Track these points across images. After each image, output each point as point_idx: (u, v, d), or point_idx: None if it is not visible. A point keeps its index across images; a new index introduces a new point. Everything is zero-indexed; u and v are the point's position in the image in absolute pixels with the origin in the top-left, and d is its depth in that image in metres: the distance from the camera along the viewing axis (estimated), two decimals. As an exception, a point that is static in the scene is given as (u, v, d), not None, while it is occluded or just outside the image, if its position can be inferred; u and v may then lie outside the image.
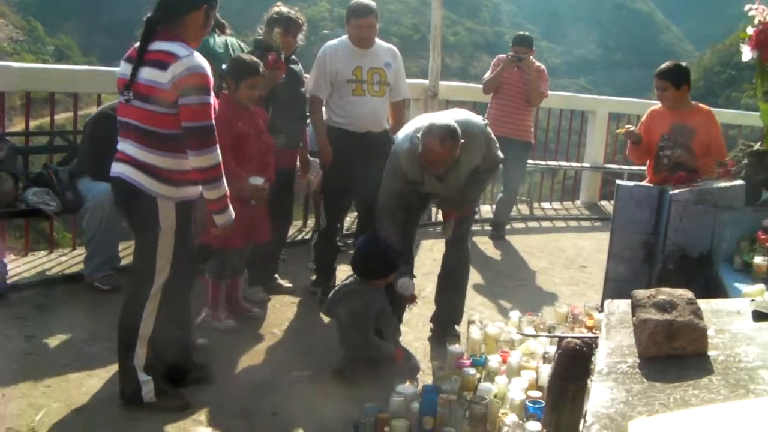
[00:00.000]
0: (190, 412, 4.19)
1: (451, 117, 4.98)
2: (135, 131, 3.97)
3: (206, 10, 4.00)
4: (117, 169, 4.05)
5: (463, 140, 4.73)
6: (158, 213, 3.97)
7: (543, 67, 8.39)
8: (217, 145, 3.95)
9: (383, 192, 5.13)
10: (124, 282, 5.73)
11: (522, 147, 8.30)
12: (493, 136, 5.19)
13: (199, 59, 3.89)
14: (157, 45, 3.90)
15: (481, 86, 8.55)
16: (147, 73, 3.88)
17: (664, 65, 5.94)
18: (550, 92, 8.53)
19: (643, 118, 6.20)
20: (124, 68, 4.02)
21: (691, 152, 5.68)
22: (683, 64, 6.03)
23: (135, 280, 4.21)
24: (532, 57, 8.19)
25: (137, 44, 3.97)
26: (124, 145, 4.04)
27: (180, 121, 3.87)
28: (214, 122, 3.94)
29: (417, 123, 5.02)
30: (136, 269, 4.22)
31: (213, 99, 3.98)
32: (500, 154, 5.21)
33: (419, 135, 4.74)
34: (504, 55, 8.32)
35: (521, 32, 8.48)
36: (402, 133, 5.10)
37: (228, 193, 4.11)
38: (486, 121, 5.17)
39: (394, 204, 5.10)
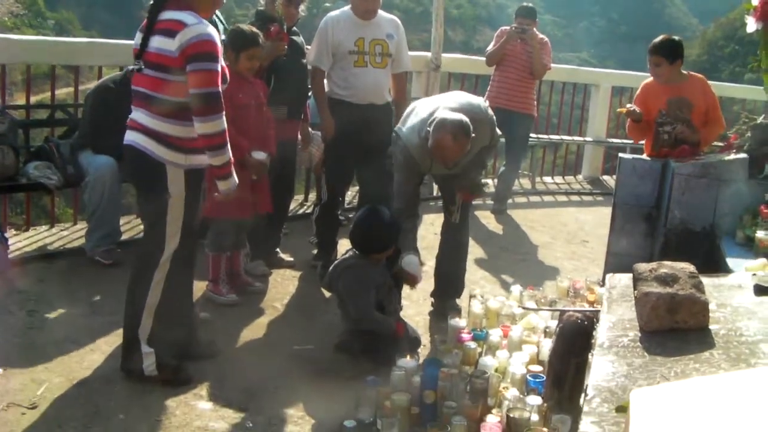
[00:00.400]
0: (192, 386, 4.20)
1: (455, 103, 4.93)
2: (146, 99, 4.00)
3: None
4: (129, 137, 4.07)
5: (473, 134, 4.72)
6: (167, 180, 3.99)
7: (546, 39, 8.35)
8: (223, 113, 3.96)
9: (398, 189, 5.10)
10: (126, 256, 5.77)
11: (525, 120, 8.28)
12: (492, 114, 5.16)
13: (208, 27, 3.91)
14: (167, 14, 3.92)
15: (483, 59, 8.51)
16: (157, 42, 3.92)
17: (656, 40, 5.81)
18: (552, 65, 8.49)
19: (638, 93, 6.08)
20: (137, 38, 4.05)
21: (691, 126, 5.62)
22: (676, 37, 5.92)
23: (144, 249, 4.22)
24: (534, 29, 8.14)
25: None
26: (136, 114, 4.07)
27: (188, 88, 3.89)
28: (221, 89, 3.94)
29: (421, 113, 4.96)
30: (145, 238, 4.22)
31: (221, 67, 3.98)
32: (497, 132, 5.19)
33: (430, 129, 4.71)
34: (507, 27, 8.28)
35: (524, 3, 8.41)
36: (406, 125, 5.03)
37: (232, 160, 4.11)
38: (487, 102, 5.14)
39: (410, 195, 5.11)
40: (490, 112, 5.13)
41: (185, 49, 3.82)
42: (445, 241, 5.47)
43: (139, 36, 4.04)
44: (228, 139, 4.02)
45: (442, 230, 5.48)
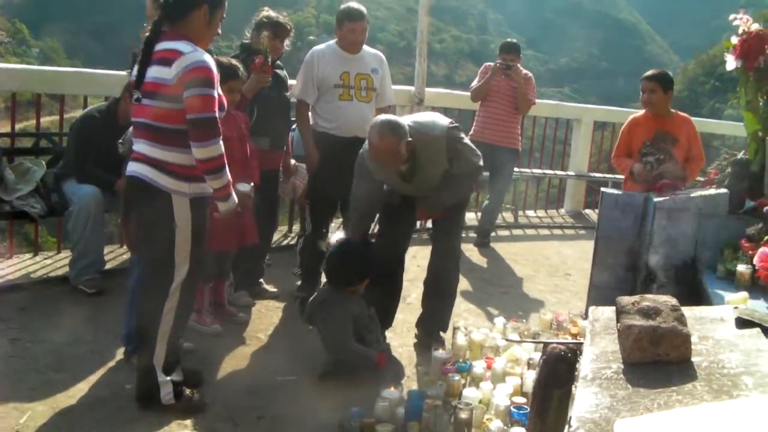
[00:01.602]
0: (175, 416, 4.17)
1: (411, 117, 5.01)
2: (146, 129, 4.02)
3: (207, 9, 4.04)
4: (132, 167, 4.09)
5: (412, 139, 4.70)
6: (173, 209, 4.00)
7: (530, 74, 8.43)
8: (220, 137, 3.98)
9: (353, 194, 5.13)
10: (110, 285, 5.76)
11: (509, 154, 8.35)
12: (466, 141, 5.11)
13: (204, 55, 3.95)
14: (163, 44, 3.96)
15: (466, 93, 8.59)
16: (154, 72, 3.95)
17: (652, 70, 6.03)
18: (536, 100, 8.57)
19: (624, 127, 6.24)
20: (135, 70, 4.07)
21: (673, 158, 5.75)
22: (664, 70, 6.13)
23: (152, 279, 4.21)
24: (519, 65, 8.22)
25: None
26: (138, 145, 4.08)
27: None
28: (217, 115, 3.97)
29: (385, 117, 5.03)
30: (153, 268, 4.22)
31: (218, 94, 4.01)
32: (478, 161, 5.11)
33: None
34: (491, 63, 8.36)
35: (509, 39, 8.49)
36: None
37: (231, 181, 4.14)
38: (455, 124, 5.06)
39: (364, 206, 5.11)
40: (459, 134, 5.03)
41: (182, 76, 3.86)
42: (432, 274, 5.43)
43: (136, 67, 4.07)
44: (225, 162, 4.04)
45: (430, 263, 5.44)
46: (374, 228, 5.52)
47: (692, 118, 6.20)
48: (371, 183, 5.02)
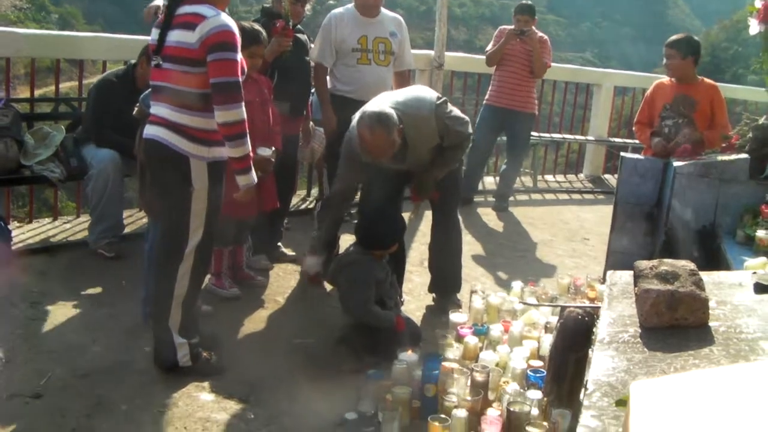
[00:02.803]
0: (193, 378, 4.21)
1: (394, 98, 4.85)
2: (167, 93, 4.02)
3: None
4: (150, 131, 4.09)
5: (402, 124, 4.60)
6: (191, 173, 4.01)
7: (546, 37, 8.34)
8: (243, 103, 3.97)
9: (337, 178, 5.05)
10: (129, 249, 5.79)
11: (526, 118, 8.29)
12: (454, 113, 4.94)
13: (226, 18, 3.93)
14: (185, 8, 3.95)
15: (485, 58, 8.51)
16: (176, 36, 3.94)
17: (674, 36, 5.98)
18: (555, 65, 8.52)
19: (648, 92, 6.24)
20: (154, 34, 4.07)
21: (692, 123, 5.71)
22: (695, 38, 6.06)
23: (167, 242, 4.23)
24: (533, 27, 8.15)
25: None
26: (157, 108, 4.08)
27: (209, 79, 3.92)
28: (240, 79, 3.96)
29: (370, 104, 4.88)
30: (168, 231, 4.23)
31: (241, 58, 4.00)
32: (467, 130, 4.98)
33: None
34: (506, 27, 8.28)
35: (524, 1, 8.38)
36: (357, 114, 4.89)
37: (252, 154, 4.14)
38: (442, 98, 4.94)
39: (344, 189, 5.05)
40: (448, 108, 4.90)
41: (205, 39, 3.85)
42: (435, 238, 5.44)
43: (155, 32, 4.05)
44: (247, 129, 4.04)
45: (432, 227, 5.45)
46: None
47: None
48: (357, 166, 4.89)
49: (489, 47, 8.42)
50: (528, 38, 8.04)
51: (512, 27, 8.16)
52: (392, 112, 4.59)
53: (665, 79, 6.13)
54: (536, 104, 8.50)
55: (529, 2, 8.30)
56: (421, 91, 5.06)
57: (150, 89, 4.36)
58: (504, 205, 8.48)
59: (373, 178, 5.03)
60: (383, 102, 4.78)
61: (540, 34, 8.23)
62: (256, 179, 4.23)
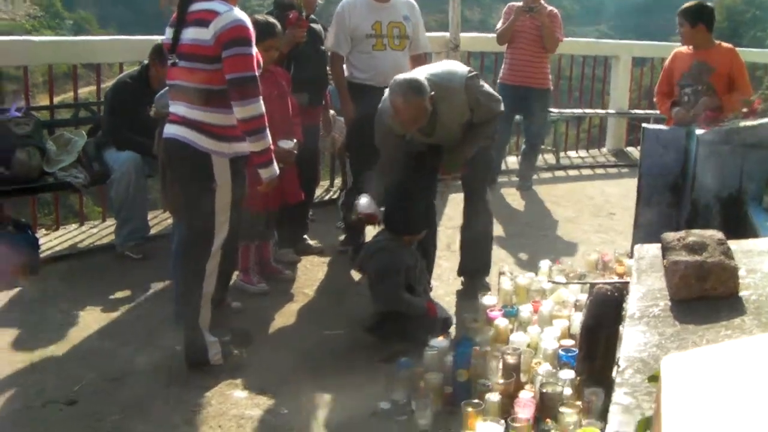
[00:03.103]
0: (225, 375, 4.22)
1: (426, 70, 4.90)
2: (184, 91, 4.03)
3: None
4: (170, 130, 4.10)
5: (433, 92, 4.61)
6: (213, 170, 4.02)
7: (556, 11, 8.26)
8: (261, 97, 3.98)
9: (378, 146, 5.07)
10: (156, 250, 5.82)
11: (541, 95, 8.21)
12: (486, 88, 5.00)
13: (240, 13, 3.94)
14: (198, 5, 3.96)
15: (502, 37, 8.44)
16: (190, 33, 3.95)
17: (685, 4, 5.92)
18: (571, 39, 8.45)
19: (667, 62, 6.20)
20: (168, 34, 4.08)
21: (711, 89, 5.66)
22: (708, 4, 5.98)
23: (194, 240, 4.23)
24: (543, 1, 8.07)
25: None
26: (176, 107, 4.09)
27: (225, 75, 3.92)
28: (257, 73, 3.97)
29: (402, 74, 4.92)
30: (194, 229, 4.24)
31: (256, 52, 4.01)
32: (498, 107, 5.01)
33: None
34: (515, 3, 8.21)
35: None
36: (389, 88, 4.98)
37: (272, 147, 4.15)
38: (474, 72, 4.96)
39: (390, 156, 5.04)
40: (478, 82, 4.94)
41: (220, 35, 3.86)
42: (466, 220, 5.42)
43: (169, 31, 4.07)
44: (266, 123, 4.04)
45: (464, 208, 5.43)
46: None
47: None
48: (393, 137, 4.95)
49: (499, 25, 8.36)
50: (537, 14, 7.97)
51: (520, 3, 8.09)
52: (423, 79, 4.62)
53: (683, 47, 6.07)
54: (550, 80, 8.43)
55: None
56: (453, 65, 5.10)
57: (164, 88, 4.37)
58: (528, 184, 8.43)
59: (405, 161, 5.05)
60: (416, 72, 4.84)
61: (550, 8, 8.15)
62: (278, 171, 4.24)
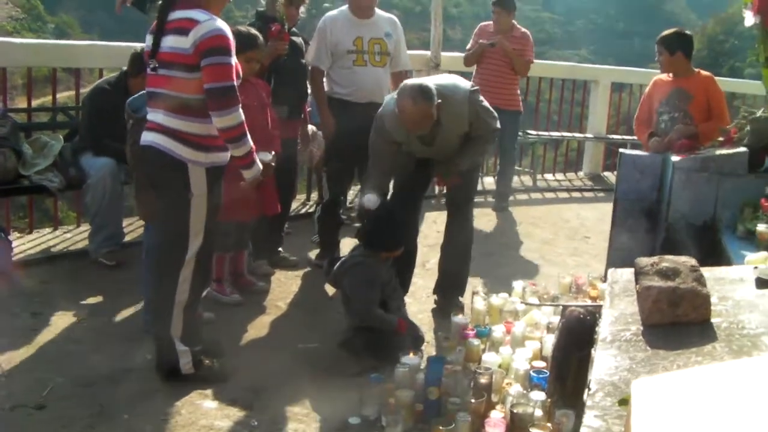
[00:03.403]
0: (196, 385, 4.20)
1: (433, 79, 4.99)
2: (163, 99, 4.01)
3: None
4: (147, 137, 4.07)
5: (440, 101, 4.68)
6: (189, 179, 4.00)
7: (527, 32, 8.29)
8: (239, 105, 3.98)
9: (372, 152, 5.10)
10: (130, 257, 5.79)
11: (512, 116, 8.17)
12: (485, 104, 5.08)
13: (220, 23, 3.92)
14: (178, 14, 3.94)
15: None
16: (170, 41, 3.93)
17: (664, 32, 5.98)
18: (552, 62, 8.52)
19: (647, 89, 6.26)
20: (149, 41, 4.06)
21: (687, 116, 5.72)
22: (687, 32, 6.05)
23: (168, 249, 4.21)
24: (513, 21, 8.08)
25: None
26: (154, 115, 4.07)
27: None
28: (235, 83, 3.96)
29: (408, 81, 5.01)
30: (168, 238, 4.22)
31: (235, 61, 4.00)
32: (495, 123, 5.10)
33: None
34: (487, 23, 8.25)
35: None
36: (389, 96, 5.09)
37: (254, 148, 4.15)
38: (475, 87, 5.06)
39: (384, 163, 5.07)
40: (480, 98, 5.03)
41: (199, 44, 3.84)
42: (447, 238, 5.45)
43: (149, 38, 4.05)
44: (246, 129, 4.04)
45: (446, 227, 5.46)
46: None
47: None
48: (389, 145, 4.99)
49: (469, 45, 8.39)
50: (500, 46, 7.98)
51: (490, 23, 8.13)
52: (433, 86, 4.69)
53: (663, 75, 6.13)
54: (520, 101, 8.47)
55: None
56: (457, 79, 5.18)
57: (136, 94, 4.36)
58: (503, 204, 8.47)
59: (393, 172, 5.10)
60: (424, 80, 4.89)
61: (522, 30, 8.16)
62: (261, 169, 4.25)
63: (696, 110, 5.77)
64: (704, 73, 6.02)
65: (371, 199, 4.87)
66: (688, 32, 6.07)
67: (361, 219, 4.98)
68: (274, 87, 5.69)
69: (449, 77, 5.23)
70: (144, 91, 4.33)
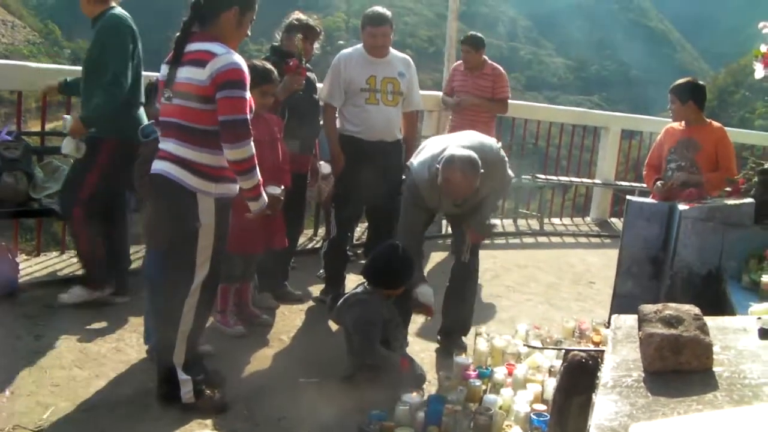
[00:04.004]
0: (196, 415, 4.19)
1: (467, 142, 5.02)
2: (176, 129, 4.05)
3: (237, 11, 4.08)
4: (158, 166, 4.12)
5: (482, 170, 4.76)
6: (198, 209, 4.03)
7: (498, 67, 8.19)
8: (251, 139, 4.01)
9: (403, 224, 5.20)
10: (135, 284, 5.79)
11: None
12: (504, 155, 5.21)
13: (236, 57, 3.98)
14: (195, 45, 4.00)
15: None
16: (186, 72, 3.98)
17: (677, 81, 6.03)
18: (562, 107, 8.54)
19: (659, 136, 6.29)
20: (164, 71, 4.11)
21: (694, 166, 5.74)
22: (700, 82, 6.10)
23: (174, 278, 4.23)
24: (484, 57, 8.07)
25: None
26: (166, 144, 4.12)
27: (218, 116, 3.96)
28: (248, 117, 4.00)
29: (432, 149, 5.08)
30: (174, 267, 4.24)
31: (249, 96, 4.05)
32: (510, 173, 5.23)
33: (439, 165, 4.78)
34: (458, 63, 8.27)
35: (472, 33, 8.25)
36: (417, 160, 5.15)
37: (261, 181, 4.18)
38: (500, 144, 5.18)
39: (416, 233, 5.21)
40: (503, 153, 5.16)
41: (216, 77, 3.89)
42: (454, 281, 5.47)
43: (165, 67, 4.10)
44: (256, 162, 4.08)
45: (452, 269, 5.48)
46: None
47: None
48: (422, 210, 5.14)
49: (443, 85, 8.41)
50: (465, 104, 8.00)
51: (461, 63, 8.18)
52: (477, 158, 4.76)
53: (675, 123, 6.17)
54: (496, 138, 8.43)
55: (478, 34, 8.20)
56: (480, 137, 5.26)
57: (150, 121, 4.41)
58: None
59: (404, 218, 5.19)
60: (459, 147, 4.90)
61: (495, 66, 8.13)
62: (267, 202, 4.28)
63: (703, 160, 5.80)
64: (716, 124, 6.05)
65: (425, 293, 5.01)
66: (701, 82, 6.12)
67: (413, 307, 5.07)
68: (288, 121, 5.73)
69: (473, 137, 5.25)
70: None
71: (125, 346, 5.03)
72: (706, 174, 5.75)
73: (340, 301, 4.86)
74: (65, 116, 5.57)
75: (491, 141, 5.17)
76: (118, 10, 5.38)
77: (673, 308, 2.81)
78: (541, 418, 3.89)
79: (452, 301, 5.47)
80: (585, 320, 5.48)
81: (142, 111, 5.58)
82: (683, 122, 6.03)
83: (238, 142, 3.96)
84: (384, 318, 4.70)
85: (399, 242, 4.95)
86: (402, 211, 5.18)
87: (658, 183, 5.88)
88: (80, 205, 5.44)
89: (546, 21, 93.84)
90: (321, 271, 6.56)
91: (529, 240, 9.38)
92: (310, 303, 6.18)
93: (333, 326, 5.52)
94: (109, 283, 5.64)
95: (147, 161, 4.69)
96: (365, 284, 4.83)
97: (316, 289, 6.39)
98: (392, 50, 6.09)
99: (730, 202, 5.09)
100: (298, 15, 6.01)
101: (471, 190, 4.79)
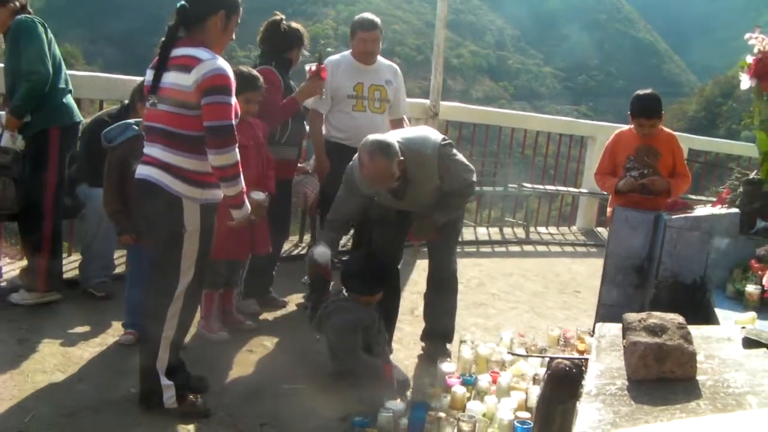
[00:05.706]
0: (179, 420, 4.17)
1: (401, 134, 4.99)
2: (161, 134, 4.03)
3: (224, 15, 4.06)
4: (142, 171, 4.09)
5: (403, 157, 4.67)
6: (183, 214, 4.01)
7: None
8: (236, 145, 4.00)
9: (335, 205, 5.09)
10: (119, 289, 5.77)
11: None
12: (459, 157, 5.02)
13: (222, 62, 3.96)
14: (180, 50, 3.98)
15: (481, 108, 8.57)
16: (171, 77, 3.96)
17: (646, 103, 5.80)
18: (550, 117, 8.55)
19: (608, 142, 6.16)
20: (149, 76, 4.10)
21: (657, 173, 5.75)
22: (644, 92, 5.92)
23: (157, 283, 4.20)
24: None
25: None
26: (151, 149, 4.09)
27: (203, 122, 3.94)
28: (234, 122, 3.99)
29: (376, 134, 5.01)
30: (159, 272, 4.22)
31: (235, 101, 4.04)
32: (471, 177, 5.04)
33: None
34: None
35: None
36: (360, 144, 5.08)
37: (245, 189, 4.17)
38: (447, 141, 5.00)
39: (343, 216, 5.09)
40: (451, 150, 4.96)
41: (201, 83, 3.87)
42: (430, 287, 5.45)
43: (150, 72, 4.09)
44: (240, 170, 4.07)
45: (428, 276, 5.46)
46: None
47: (707, 138, 6.18)
48: (356, 197, 4.98)
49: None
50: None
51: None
52: (395, 142, 4.67)
53: (625, 128, 6.09)
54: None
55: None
56: (428, 131, 5.12)
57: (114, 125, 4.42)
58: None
59: (376, 222, 5.10)
60: (390, 134, 4.89)
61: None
62: (250, 210, 4.26)
63: (663, 167, 5.79)
64: (667, 130, 6.01)
65: (321, 253, 4.88)
66: (656, 95, 5.92)
67: (311, 272, 4.98)
68: (292, 128, 5.73)
69: (421, 130, 5.21)
70: (120, 123, 4.35)
71: (108, 351, 5.00)
72: (670, 180, 5.76)
73: (320, 308, 4.85)
74: (0, 113, 5.60)
75: (436, 136, 4.99)
76: (24, 16, 5.44)
77: (657, 317, 2.81)
78: (525, 426, 3.88)
79: (431, 306, 5.45)
80: (570, 329, 5.49)
81: (70, 97, 5.72)
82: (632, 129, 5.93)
83: (223, 147, 3.94)
84: (364, 324, 4.69)
85: (327, 217, 5.01)
86: (337, 196, 5.11)
87: (623, 180, 5.76)
88: (49, 218, 5.48)
89: (534, 30, 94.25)
90: (306, 277, 6.54)
91: (515, 249, 9.39)
92: (294, 309, 6.16)
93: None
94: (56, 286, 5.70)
95: (114, 169, 4.72)
96: (344, 291, 4.83)
97: (300, 296, 6.37)
98: (380, 58, 6.10)
99: (716, 212, 5.11)
100: (278, 16, 5.96)
101: (384, 175, 4.64)
